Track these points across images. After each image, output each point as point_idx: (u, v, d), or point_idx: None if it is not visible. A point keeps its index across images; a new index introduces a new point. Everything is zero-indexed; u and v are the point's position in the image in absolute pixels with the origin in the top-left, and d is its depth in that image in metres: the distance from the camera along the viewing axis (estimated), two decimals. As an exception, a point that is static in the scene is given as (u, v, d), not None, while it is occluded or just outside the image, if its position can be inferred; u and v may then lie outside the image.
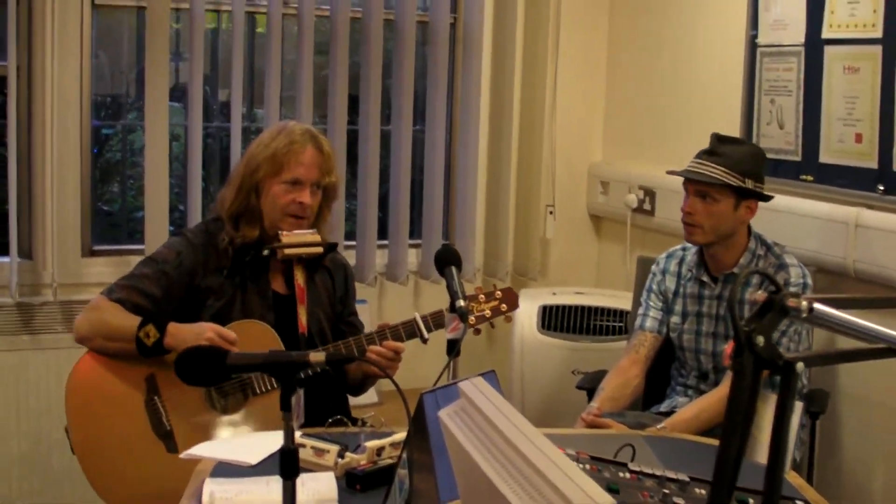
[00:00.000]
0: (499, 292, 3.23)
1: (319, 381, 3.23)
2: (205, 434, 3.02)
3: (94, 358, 3.16)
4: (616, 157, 5.34)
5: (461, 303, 2.71)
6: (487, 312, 3.19)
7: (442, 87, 5.00)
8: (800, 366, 1.21)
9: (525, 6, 5.17)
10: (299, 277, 3.31)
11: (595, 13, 5.36)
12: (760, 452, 1.22)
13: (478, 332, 3.22)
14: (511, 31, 5.12)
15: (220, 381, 3.04)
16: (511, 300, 3.24)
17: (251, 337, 3.11)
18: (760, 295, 1.20)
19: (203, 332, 3.04)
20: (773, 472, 1.19)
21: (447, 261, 2.82)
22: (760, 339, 1.20)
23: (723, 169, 3.40)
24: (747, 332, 1.19)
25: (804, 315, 1.22)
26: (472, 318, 3.10)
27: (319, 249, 3.29)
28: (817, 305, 1.23)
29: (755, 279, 3.53)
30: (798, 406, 1.22)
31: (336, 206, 3.54)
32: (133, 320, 3.10)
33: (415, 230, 5.12)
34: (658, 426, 3.26)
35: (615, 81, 5.36)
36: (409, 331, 3.15)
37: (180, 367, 2.14)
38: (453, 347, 2.66)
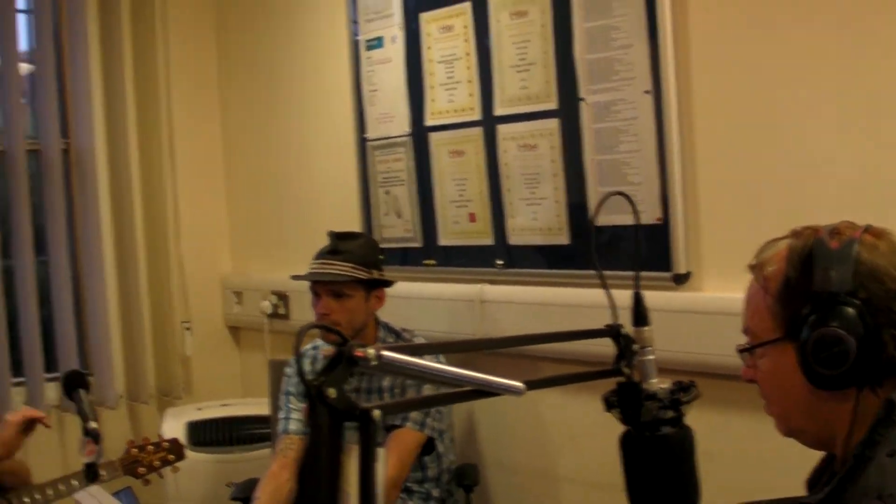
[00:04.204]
0: (165, 443, 3.34)
1: None
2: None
3: None
4: (246, 265, 5.36)
5: (92, 424, 2.79)
6: (156, 463, 3.28)
7: (59, 215, 4.83)
8: (376, 413, 1.22)
9: (137, 123, 5.11)
10: None
11: (208, 126, 5.40)
12: (353, 506, 1.22)
13: (147, 482, 3.29)
14: (125, 151, 5.04)
15: None
16: (178, 450, 3.36)
17: None
18: (328, 350, 1.21)
19: None
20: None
21: (74, 384, 2.94)
22: (332, 391, 1.20)
23: (349, 265, 3.47)
24: (316, 385, 1.19)
25: (373, 363, 1.24)
26: (141, 469, 3.24)
27: None
28: (385, 353, 1.24)
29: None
30: (380, 452, 1.22)
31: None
32: None
33: (51, 363, 4.90)
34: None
35: (235, 192, 5.39)
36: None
37: None
38: (91, 470, 2.72)
